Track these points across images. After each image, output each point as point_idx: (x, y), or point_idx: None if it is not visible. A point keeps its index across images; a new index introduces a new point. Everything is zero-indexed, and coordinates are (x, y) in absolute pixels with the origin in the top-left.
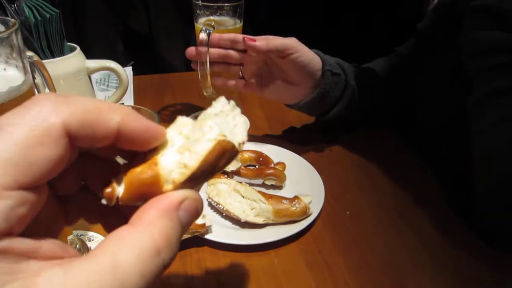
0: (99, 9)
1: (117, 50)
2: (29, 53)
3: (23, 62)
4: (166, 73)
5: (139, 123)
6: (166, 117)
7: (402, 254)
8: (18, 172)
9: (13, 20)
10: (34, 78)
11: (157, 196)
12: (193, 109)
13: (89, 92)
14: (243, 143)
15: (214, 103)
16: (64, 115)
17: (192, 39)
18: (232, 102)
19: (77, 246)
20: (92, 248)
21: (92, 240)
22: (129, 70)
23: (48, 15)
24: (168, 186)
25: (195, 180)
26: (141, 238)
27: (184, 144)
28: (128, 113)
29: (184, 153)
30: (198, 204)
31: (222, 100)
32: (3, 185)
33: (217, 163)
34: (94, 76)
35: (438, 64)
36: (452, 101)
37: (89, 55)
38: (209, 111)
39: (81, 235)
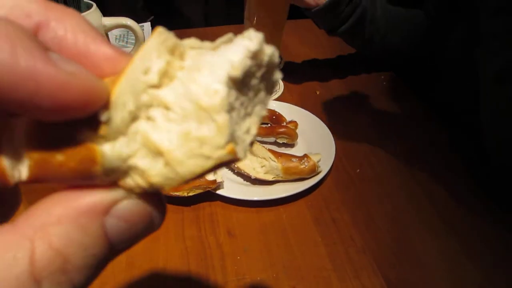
0: None
1: (137, 6)
2: None
3: None
4: (185, 28)
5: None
6: None
7: (409, 213)
8: None
9: None
10: None
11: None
12: None
13: None
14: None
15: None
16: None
17: None
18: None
19: None
20: None
21: None
22: (147, 25)
23: None
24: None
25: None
26: (19, 253)
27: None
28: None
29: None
30: (152, 210)
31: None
32: None
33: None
34: (114, 33)
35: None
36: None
37: (109, 10)
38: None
39: None
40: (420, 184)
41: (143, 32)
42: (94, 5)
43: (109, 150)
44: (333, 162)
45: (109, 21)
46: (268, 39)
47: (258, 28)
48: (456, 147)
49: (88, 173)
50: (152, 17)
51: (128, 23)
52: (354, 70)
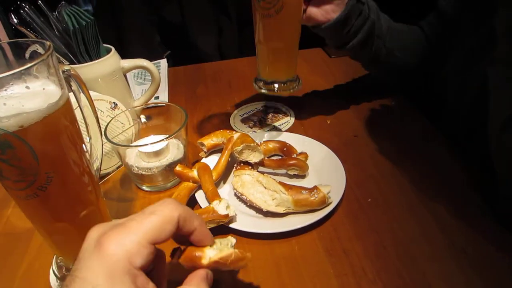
0: (135, 2)
1: (154, 41)
2: (66, 67)
3: (59, 79)
4: (202, 60)
5: (205, 232)
6: (197, 107)
7: (421, 242)
8: (156, 235)
9: (48, 42)
10: (70, 86)
11: (199, 269)
12: (223, 99)
13: (125, 89)
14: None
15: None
16: (179, 212)
17: (224, 27)
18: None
19: None
20: None
21: None
22: (163, 62)
23: (84, 23)
24: (205, 262)
25: (219, 264)
26: None
27: (218, 247)
28: (201, 224)
29: (216, 251)
30: (212, 276)
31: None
32: (148, 240)
33: (230, 260)
34: (132, 71)
35: (465, 46)
36: (478, 84)
37: (128, 48)
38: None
39: None
40: (429, 210)
41: (159, 69)
42: (113, 49)
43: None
44: (344, 192)
45: (127, 63)
46: (283, 62)
47: (270, 51)
48: (470, 174)
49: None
50: (169, 51)
51: (144, 64)
52: (364, 97)
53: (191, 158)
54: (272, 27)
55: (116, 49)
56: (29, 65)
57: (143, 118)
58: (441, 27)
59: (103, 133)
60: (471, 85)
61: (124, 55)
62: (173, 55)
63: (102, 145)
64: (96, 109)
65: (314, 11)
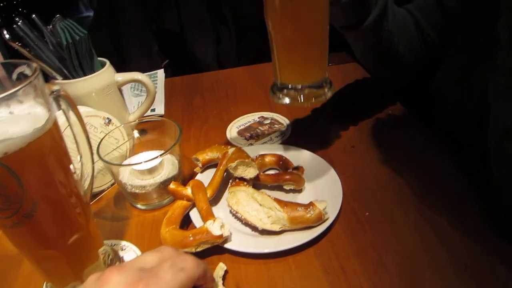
0: (134, 11)
1: (152, 50)
2: (55, 87)
3: (46, 101)
4: (200, 69)
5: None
6: (193, 119)
7: (420, 256)
8: None
9: (34, 64)
10: (60, 106)
11: None
12: (220, 110)
13: (120, 103)
14: None
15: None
16: (200, 272)
17: (223, 36)
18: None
19: (110, 256)
20: (125, 258)
21: (125, 249)
22: (160, 73)
23: (78, 37)
24: None
25: None
26: None
27: None
28: (210, 279)
29: None
30: None
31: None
32: None
33: None
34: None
35: (464, 48)
36: (478, 90)
37: (127, 57)
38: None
39: (114, 245)
40: (429, 222)
41: (156, 80)
42: (108, 63)
43: None
44: (341, 206)
45: (121, 77)
46: (313, 56)
47: (295, 42)
48: (470, 183)
49: None
50: (167, 60)
51: (139, 78)
52: (362, 106)
53: (187, 172)
54: (299, 5)
55: (114, 58)
56: (14, 89)
57: (137, 133)
58: (442, 22)
59: (95, 151)
60: (471, 92)
61: (122, 64)
62: (172, 64)
63: (93, 164)
64: (90, 125)
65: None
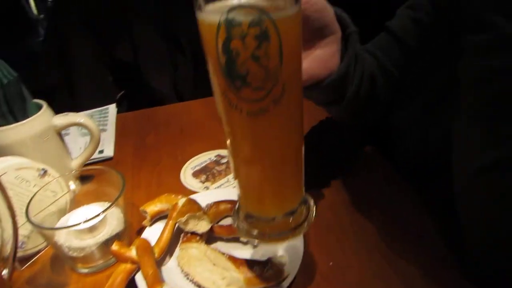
0: (85, 42)
1: (106, 82)
2: None
3: None
4: (157, 99)
5: None
6: (145, 160)
7: None
8: None
9: None
10: None
11: None
12: (174, 148)
13: (60, 149)
14: None
15: None
16: None
17: (179, 65)
18: None
19: None
20: None
21: None
22: (112, 108)
23: (5, 80)
24: None
25: None
26: None
27: None
28: None
29: None
30: None
31: None
32: None
33: None
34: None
35: (425, 86)
36: (439, 130)
37: (78, 89)
38: None
39: None
40: (398, 272)
41: (107, 117)
42: (45, 105)
43: None
44: (303, 258)
45: (60, 120)
46: (287, 181)
47: (265, 168)
48: (435, 225)
49: None
50: (123, 91)
51: (81, 120)
52: (322, 149)
53: (136, 224)
54: (268, 130)
55: (64, 90)
56: None
57: (73, 185)
58: (403, 60)
59: (23, 211)
60: (432, 132)
61: (74, 97)
62: (128, 95)
63: (16, 228)
64: (20, 180)
65: (309, 66)
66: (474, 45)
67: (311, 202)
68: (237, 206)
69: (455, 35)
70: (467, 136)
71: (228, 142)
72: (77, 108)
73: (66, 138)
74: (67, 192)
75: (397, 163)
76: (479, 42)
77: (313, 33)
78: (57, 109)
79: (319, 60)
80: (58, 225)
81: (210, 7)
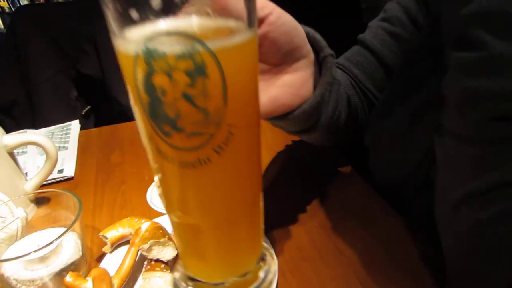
0: (46, 54)
1: (71, 97)
2: None
3: None
4: (125, 115)
5: None
6: (109, 180)
7: None
8: None
9: None
10: None
11: None
12: (140, 167)
13: (11, 170)
14: None
15: None
16: None
17: None
18: None
19: None
20: None
21: None
22: (75, 124)
23: None
24: None
25: None
26: None
27: None
28: None
29: None
30: None
31: None
32: None
33: None
34: (50, 129)
35: (403, 103)
36: (419, 148)
37: (40, 105)
38: None
39: None
40: None
41: (69, 134)
42: None
43: None
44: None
45: (12, 139)
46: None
47: (213, 226)
48: (416, 247)
49: None
50: (89, 107)
51: (35, 139)
52: (298, 166)
53: (97, 251)
54: (210, 185)
55: (24, 106)
56: None
57: (28, 208)
58: (384, 79)
59: None
60: (411, 150)
61: (35, 113)
62: (94, 110)
63: None
64: None
65: (278, 94)
66: (460, 62)
67: (273, 256)
68: (175, 260)
69: (437, 51)
70: (453, 162)
71: (159, 190)
72: (39, 123)
73: (23, 157)
74: (18, 217)
75: (375, 181)
76: (466, 60)
77: (282, 57)
78: (18, 125)
79: (289, 86)
80: (5, 254)
81: (126, 33)
